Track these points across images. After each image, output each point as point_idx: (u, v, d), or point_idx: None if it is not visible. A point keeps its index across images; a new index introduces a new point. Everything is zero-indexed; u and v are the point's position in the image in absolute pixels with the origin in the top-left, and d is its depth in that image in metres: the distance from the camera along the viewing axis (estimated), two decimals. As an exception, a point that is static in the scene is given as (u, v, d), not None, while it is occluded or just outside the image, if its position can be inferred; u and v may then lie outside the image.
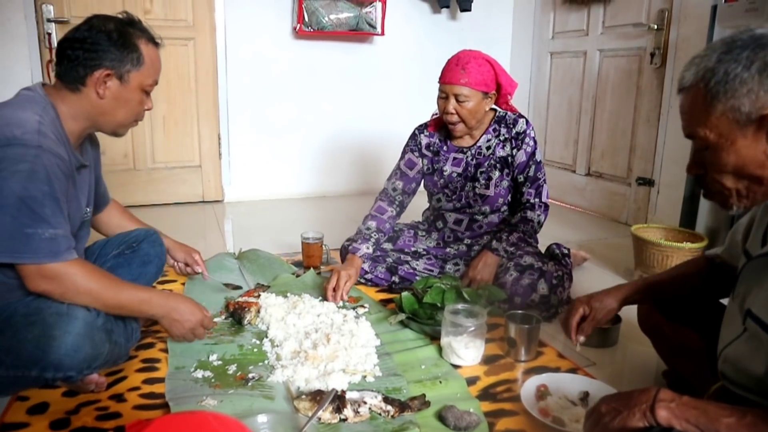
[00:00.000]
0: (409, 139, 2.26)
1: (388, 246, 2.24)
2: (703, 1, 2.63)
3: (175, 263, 1.89)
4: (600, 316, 1.44)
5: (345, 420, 1.29)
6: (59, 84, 1.38)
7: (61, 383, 1.36)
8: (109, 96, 1.38)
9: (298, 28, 3.49)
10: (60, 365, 1.22)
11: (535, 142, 2.10)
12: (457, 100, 1.97)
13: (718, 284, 1.30)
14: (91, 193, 1.54)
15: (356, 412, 1.30)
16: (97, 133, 1.56)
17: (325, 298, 1.96)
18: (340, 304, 1.95)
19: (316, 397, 1.33)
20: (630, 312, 1.87)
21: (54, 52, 1.40)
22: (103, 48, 1.35)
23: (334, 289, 1.95)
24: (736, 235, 1.24)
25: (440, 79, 2.02)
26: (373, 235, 2.15)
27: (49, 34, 3.10)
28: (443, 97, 2.01)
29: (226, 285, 2.05)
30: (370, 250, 2.12)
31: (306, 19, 3.47)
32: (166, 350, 1.61)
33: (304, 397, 1.34)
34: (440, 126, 2.19)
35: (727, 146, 0.93)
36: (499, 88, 2.06)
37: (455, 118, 2.00)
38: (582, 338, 1.44)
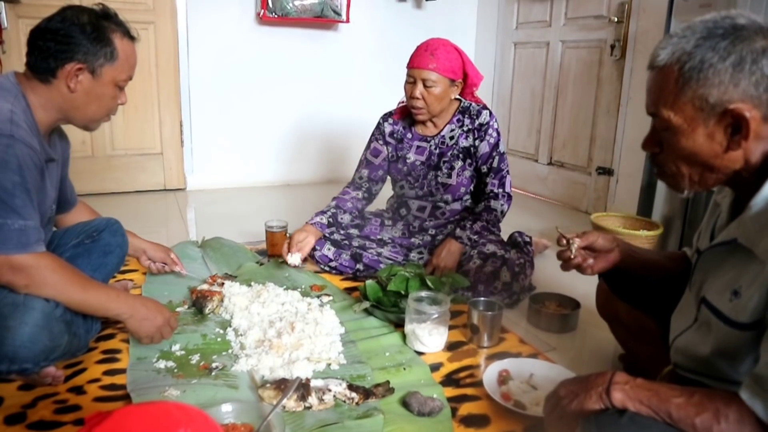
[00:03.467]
0: (375, 128, 2.27)
1: (354, 232, 2.25)
2: (661, -5, 2.69)
3: (151, 264, 1.88)
4: (602, 243, 1.33)
5: (310, 408, 1.30)
6: (30, 74, 1.34)
7: (16, 376, 1.32)
8: (80, 90, 1.35)
9: (262, 13, 3.43)
10: (15, 357, 1.20)
11: (498, 133, 2.13)
12: (425, 85, 1.99)
13: (684, 281, 1.32)
14: (57, 189, 1.51)
15: (321, 400, 1.31)
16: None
17: (289, 265, 2.04)
18: (303, 287, 1.97)
19: (281, 385, 1.33)
20: (588, 298, 1.93)
21: (27, 41, 1.37)
22: (75, 41, 1.32)
23: (290, 245, 2.02)
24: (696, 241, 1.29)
25: (409, 64, 2.03)
26: (330, 210, 2.19)
27: (-1, 14, 2.98)
28: (411, 81, 2.02)
29: None
30: (324, 221, 2.15)
31: (270, 4, 3.41)
32: (127, 341, 1.58)
33: (268, 385, 1.34)
34: (406, 113, 2.20)
35: (687, 132, 0.94)
36: (466, 78, 2.09)
37: (420, 103, 2.01)
38: (578, 241, 1.32)
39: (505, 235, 2.24)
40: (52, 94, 1.34)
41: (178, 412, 0.72)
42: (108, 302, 1.38)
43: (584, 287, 2.17)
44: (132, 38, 1.44)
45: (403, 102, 2.20)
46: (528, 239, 2.23)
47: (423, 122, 2.13)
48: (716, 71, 0.89)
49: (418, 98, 2.01)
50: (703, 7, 2.15)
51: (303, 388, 1.31)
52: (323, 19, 3.59)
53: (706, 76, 0.90)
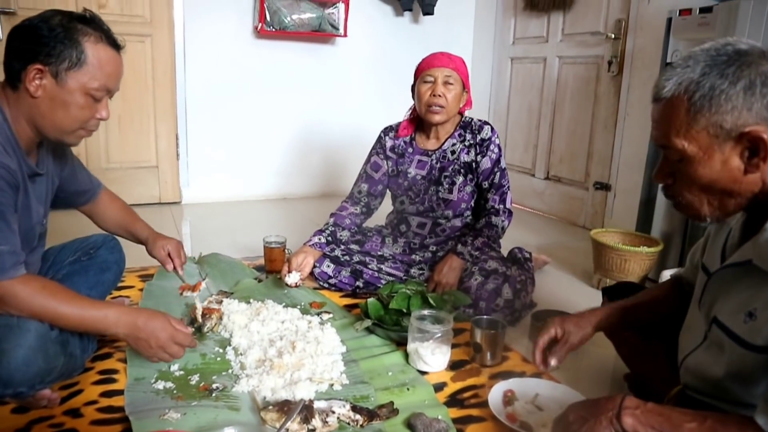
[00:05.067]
0: (375, 142, 2.26)
1: (354, 247, 2.23)
2: (659, 13, 2.71)
3: (162, 251, 1.79)
4: (574, 341, 1.35)
5: (313, 430, 1.27)
6: (5, 82, 1.27)
7: (10, 399, 1.28)
8: (43, 95, 1.24)
9: (259, 27, 3.43)
10: (10, 381, 1.15)
11: (499, 149, 2.12)
12: (445, 84, 2.01)
13: (685, 308, 1.31)
14: (48, 203, 1.45)
15: (325, 422, 1.28)
16: None
17: (287, 285, 1.99)
18: (303, 305, 1.94)
19: (284, 407, 1.30)
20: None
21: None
22: (40, 41, 1.21)
23: (289, 268, 2.00)
24: (695, 255, 1.28)
25: (424, 66, 2.06)
26: (329, 228, 2.17)
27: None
28: (429, 81, 2.02)
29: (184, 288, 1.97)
30: (323, 240, 2.13)
31: (268, 18, 3.41)
32: (124, 360, 1.54)
33: (270, 407, 1.31)
34: (413, 124, 2.19)
35: (704, 160, 0.93)
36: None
37: (443, 100, 2.01)
38: (554, 362, 1.33)
39: (504, 251, 2.23)
40: (20, 102, 1.25)
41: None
42: (103, 321, 1.29)
43: (585, 304, 2.14)
44: (115, 46, 1.31)
45: (408, 112, 2.20)
46: (528, 255, 2.22)
47: (438, 124, 2.09)
48: (728, 97, 0.89)
49: (440, 95, 2.00)
50: (701, 26, 2.16)
51: (306, 410, 1.28)
52: (321, 33, 3.60)
53: (718, 103, 0.90)
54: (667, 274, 2.22)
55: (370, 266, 2.17)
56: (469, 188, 2.13)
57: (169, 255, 1.79)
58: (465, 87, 2.07)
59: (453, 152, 2.13)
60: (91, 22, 1.29)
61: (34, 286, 1.22)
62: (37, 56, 1.21)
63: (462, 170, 2.12)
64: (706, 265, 1.13)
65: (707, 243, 1.18)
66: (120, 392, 1.41)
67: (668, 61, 2.37)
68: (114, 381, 1.47)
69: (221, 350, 1.64)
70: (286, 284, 1.99)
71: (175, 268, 1.80)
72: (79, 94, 1.26)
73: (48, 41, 1.22)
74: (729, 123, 0.90)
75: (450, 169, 2.13)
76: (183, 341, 1.42)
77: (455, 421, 1.37)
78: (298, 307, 1.94)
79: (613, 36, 3.06)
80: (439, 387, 1.53)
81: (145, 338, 1.35)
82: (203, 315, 1.75)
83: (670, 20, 2.35)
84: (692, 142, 0.93)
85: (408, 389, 1.49)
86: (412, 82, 2.14)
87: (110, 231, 1.76)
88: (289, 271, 2.00)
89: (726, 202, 0.97)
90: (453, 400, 1.47)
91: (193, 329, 1.74)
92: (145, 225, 1.80)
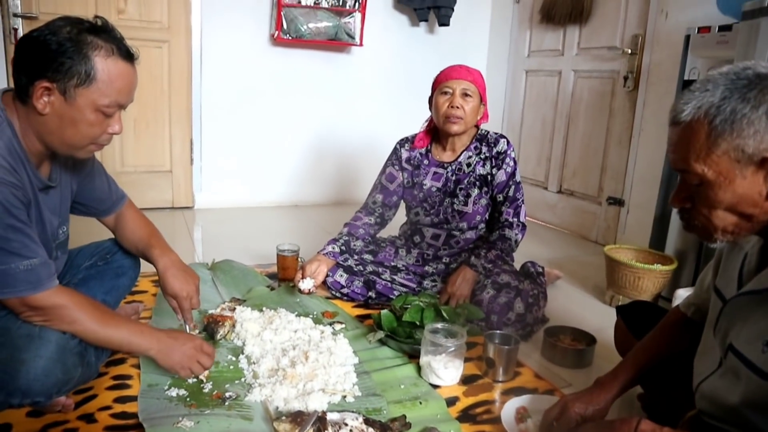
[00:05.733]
0: (391, 153, 2.26)
1: (368, 257, 2.23)
2: (676, 29, 2.71)
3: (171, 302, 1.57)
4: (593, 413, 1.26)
5: (326, 443, 1.26)
6: (14, 94, 1.21)
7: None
8: (51, 113, 1.18)
9: (276, 35, 3.45)
10: (28, 391, 1.15)
11: (515, 162, 2.12)
12: (463, 96, 2.02)
13: (697, 339, 1.27)
14: (65, 212, 1.43)
15: (337, 435, 1.28)
16: None
17: (300, 290, 2.00)
18: (315, 314, 1.95)
19: (297, 418, 1.30)
20: (602, 332, 1.90)
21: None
22: (47, 56, 1.14)
23: (303, 275, 2.00)
24: (705, 280, 1.26)
25: (442, 78, 2.06)
26: (343, 238, 2.18)
27: (15, 30, 2.99)
28: (447, 93, 2.03)
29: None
30: (337, 249, 2.14)
31: (284, 26, 3.44)
32: (138, 366, 1.55)
33: (284, 418, 1.30)
34: (429, 136, 2.19)
35: (724, 184, 0.93)
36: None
37: (461, 112, 2.02)
38: None
39: (517, 265, 2.22)
40: (29, 116, 1.19)
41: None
42: (132, 337, 1.32)
43: (598, 321, 2.16)
44: (128, 57, 1.23)
45: (426, 125, 2.20)
46: (540, 269, 2.21)
47: (455, 134, 2.09)
48: (750, 121, 0.88)
49: (458, 107, 2.01)
50: (720, 44, 2.15)
51: (320, 422, 1.28)
52: (337, 42, 3.62)
53: (740, 127, 0.89)
54: (680, 293, 2.20)
55: (383, 277, 2.17)
56: (483, 201, 2.13)
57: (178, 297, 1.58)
58: (482, 100, 2.08)
59: (468, 165, 2.13)
60: (102, 32, 1.21)
61: (72, 299, 1.24)
62: (45, 72, 1.15)
63: (477, 183, 2.12)
64: (720, 289, 1.11)
65: (719, 266, 1.17)
66: (133, 398, 1.41)
67: (686, 77, 2.36)
68: (128, 387, 1.47)
69: (234, 358, 1.64)
70: (300, 290, 2.00)
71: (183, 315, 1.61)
72: (89, 111, 1.20)
73: (56, 56, 1.15)
74: (751, 147, 0.89)
75: (465, 181, 2.13)
76: (208, 351, 1.47)
77: (467, 436, 1.36)
78: (311, 316, 1.94)
79: (629, 51, 3.06)
80: (451, 401, 1.52)
81: (174, 351, 1.40)
82: (216, 322, 1.75)
83: (688, 37, 2.35)
84: (712, 167, 0.92)
85: (420, 403, 1.49)
86: (427, 92, 2.15)
87: (129, 250, 1.66)
88: (303, 278, 2.00)
89: (742, 226, 0.96)
90: (465, 415, 1.47)
91: (206, 336, 1.75)
92: (161, 252, 1.57)
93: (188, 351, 1.41)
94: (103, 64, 1.18)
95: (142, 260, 1.75)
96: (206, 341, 1.49)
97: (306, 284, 1.99)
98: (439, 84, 2.06)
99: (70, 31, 1.17)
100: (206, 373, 1.50)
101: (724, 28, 2.18)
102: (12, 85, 1.24)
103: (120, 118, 1.28)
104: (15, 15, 2.98)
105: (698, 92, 0.93)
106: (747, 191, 0.92)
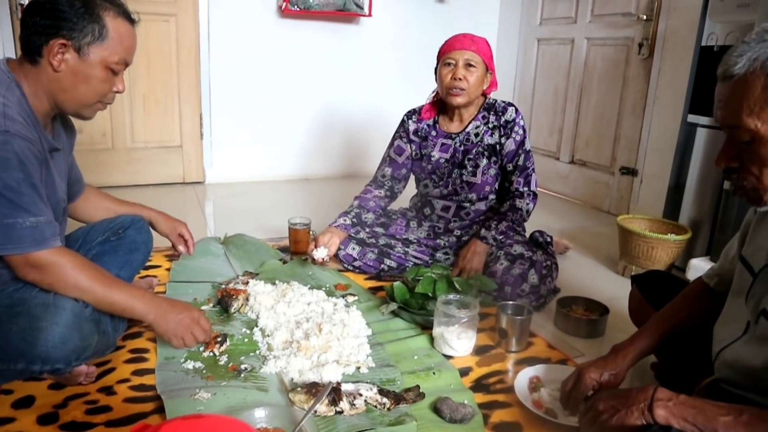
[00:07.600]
0: (398, 125, 2.24)
1: (380, 230, 2.23)
2: (693, -7, 2.64)
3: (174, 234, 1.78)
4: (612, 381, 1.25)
5: (341, 413, 1.28)
6: (22, 57, 1.27)
7: (48, 375, 1.32)
8: (65, 70, 1.25)
9: (284, 6, 3.41)
10: (48, 358, 1.19)
11: (524, 130, 2.10)
12: (467, 67, 1.98)
13: (718, 310, 1.24)
14: (66, 179, 1.46)
15: (352, 405, 1.30)
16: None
17: (312, 261, 2.04)
18: (328, 287, 1.97)
19: (312, 389, 1.32)
20: (615, 302, 1.90)
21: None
22: (61, 15, 1.22)
23: (316, 246, 2.03)
24: (730, 251, 1.23)
25: (446, 49, 2.03)
26: (354, 210, 2.19)
27: (22, 5, 2.96)
28: (450, 64, 2.00)
29: None
30: (348, 222, 2.15)
31: (292, -3, 3.39)
32: (154, 339, 1.57)
33: (299, 389, 1.32)
34: (435, 107, 2.17)
35: None
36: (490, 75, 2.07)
37: (464, 83, 1.99)
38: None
39: (526, 234, 2.21)
40: (40, 77, 1.25)
41: (225, 427, 0.71)
42: (133, 300, 1.35)
43: (610, 291, 2.15)
44: (131, 20, 1.33)
45: (431, 95, 2.18)
46: (549, 239, 2.20)
47: (459, 106, 2.06)
48: None
49: (461, 78, 1.98)
50: (741, 8, 2.09)
51: (334, 393, 1.29)
52: (346, 13, 3.56)
53: None
54: (694, 263, 2.19)
55: (395, 249, 2.17)
56: (493, 171, 2.11)
57: (181, 236, 1.79)
58: (489, 69, 2.04)
59: (476, 135, 2.11)
60: None
61: (75, 260, 1.27)
62: (60, 31, 1.22)
63: (486, 153, 2.10)
64: (746, 258, 1.10)
65: (746, 236, 1.15)
66: (151, 371, 1.44)
67: (703, 44, 2.31)
68: (145, 360, 1.50)
69: (248, 331, 1.66)
70: (313, 259, 2.01)
71: (175, 247, 1.81)
72: (100, 67, 1.28)
73: (70, 16, 1.23)
74: None
75: (474, 151, 2.11)
76: (204, 325, 1.50)
77: (481, 406, 1.38)
78: (324, 288, 1.95)
79: (645, 17, 2.98)
80: (464, 372, 1.54)
81: (173, 319, 1.43)
82: (230, 296, 1.77)
83: (706, 2, 2.28)
84: (767, 122, 0.89)
85: (434, 373, 1.50)
86: (435, 64, 2.12)
87: (100, 218, 1.70)
88: (316, 248, 2.01)
89: None
90: (478, 385, 1.48)
91: (220, 309, 1.77)
92: (143, 207, 1.76)
93: (184, 320, 1.44)
94: (113, 24, 1.28)
95: (155, 235, 1.77)
96: (205, 316, 1.53)
97: (320, 253, 2.01)
98: (442, 55, 2.03)
99: None
100: (222, 347, 1.53)
101: (745, -9, 2.11)
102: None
103: (123, 78, 1.36)
104: (21, -10, 2.96)
105: (753, 43, 0.89)
106: None
